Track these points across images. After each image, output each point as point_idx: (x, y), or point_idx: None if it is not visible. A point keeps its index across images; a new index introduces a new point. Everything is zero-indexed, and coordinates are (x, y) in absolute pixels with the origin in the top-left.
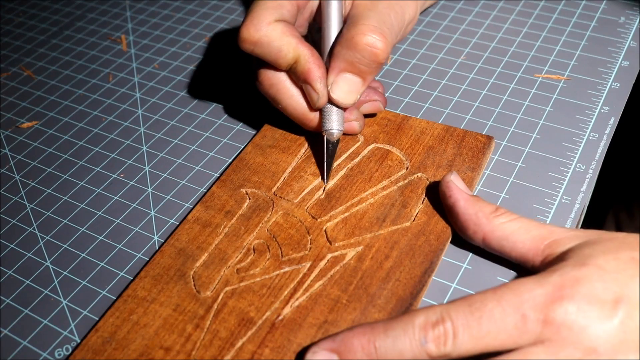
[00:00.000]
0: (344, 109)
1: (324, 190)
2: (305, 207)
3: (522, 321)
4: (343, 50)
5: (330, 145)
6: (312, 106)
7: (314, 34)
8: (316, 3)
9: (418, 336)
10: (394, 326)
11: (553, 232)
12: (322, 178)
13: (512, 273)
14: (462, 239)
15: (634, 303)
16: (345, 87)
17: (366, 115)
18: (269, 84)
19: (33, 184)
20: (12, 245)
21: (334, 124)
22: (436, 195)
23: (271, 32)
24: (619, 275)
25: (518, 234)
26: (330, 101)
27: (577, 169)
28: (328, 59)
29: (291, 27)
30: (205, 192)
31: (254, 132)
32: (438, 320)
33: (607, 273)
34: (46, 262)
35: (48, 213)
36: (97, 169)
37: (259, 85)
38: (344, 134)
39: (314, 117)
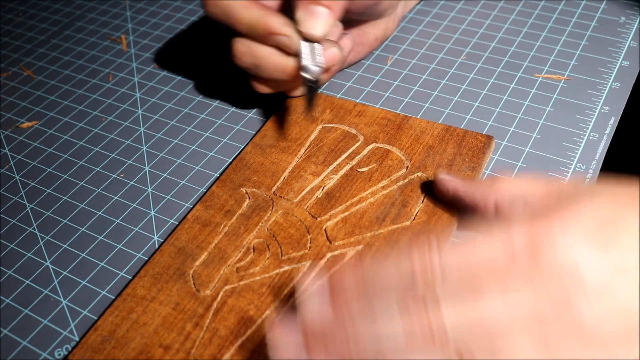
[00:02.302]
0: (319, 42)
1: (322, 189)
2: (305, 207)
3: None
4: None
5: (312, 84)
6: (289, 51)
7: None
8: None
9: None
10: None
11: (560, 187)
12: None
13: None
14: (462, 238)
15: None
16: (311, 17)
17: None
18: (242, 52)
19: (33, 184)
20: (12, 245)
21: (309, 60)
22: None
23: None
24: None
25: (527, 190)
26: (304, 39)
27: (577, 169)
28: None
29: None
30: (205, 192)
31: (254, 132)
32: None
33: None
34: (46, 262)
35: (48, 213)
36: (97, 169)
37: (234, 58)
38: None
39: (294, 65)
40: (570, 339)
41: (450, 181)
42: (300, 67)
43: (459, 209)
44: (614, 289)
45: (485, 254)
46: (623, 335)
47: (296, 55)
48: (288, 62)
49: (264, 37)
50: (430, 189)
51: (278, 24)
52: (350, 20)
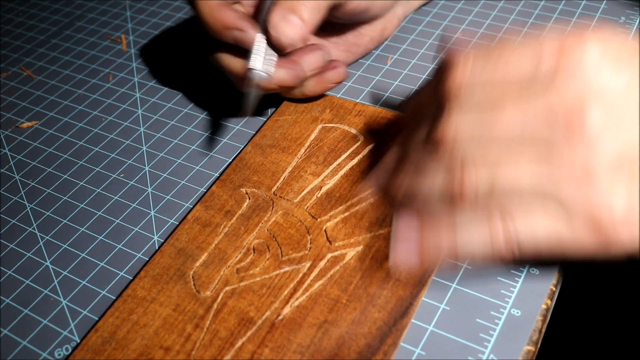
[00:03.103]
0: (284, 52)
1: (322, 189)
2: (305, 207)
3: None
4: None
5: (253, 88)
6: (243, 47)
7: None
8: None
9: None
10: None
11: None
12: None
13: (512, 273)
14: None
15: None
16: (282, 23)
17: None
18: (210, 52)
19: (33, 183)
20: (12, 245)
21: (259, 64)
22: None
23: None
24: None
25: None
26: (270, 42)
27: None
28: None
29: None
30: (205, 192)
31: (254, 132)
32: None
33: None
34: (46, 262)
35: (48, 213)
36: (97, 169)
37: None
38: (286, 90)
39: (242, 64)
40: (576, 145)
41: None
42: (248, 68)
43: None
44: (626, 103)
45: (515, 63)
46: (619, 154)
47: (247, 55)
48: (237, 62)
49: (219, 32)
50: None
51: (233, 17)
52: (346, 22)
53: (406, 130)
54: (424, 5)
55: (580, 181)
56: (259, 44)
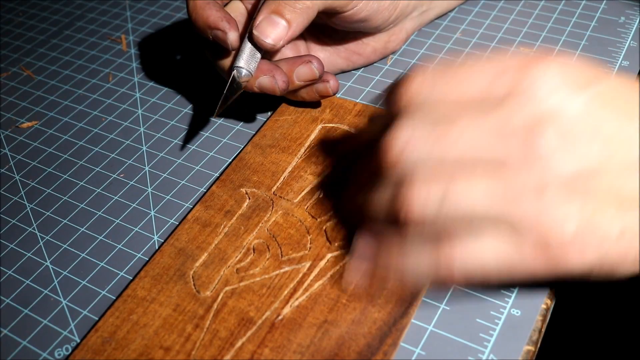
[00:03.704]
0: (268, 54)
1: (322, 189)
2: (305, 207)
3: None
4: None
5: (234, 85)
6: (225, 47)
7: None
8: None
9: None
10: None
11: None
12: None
13: None
14: None
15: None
16: (267, 25)
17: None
18: (200, 47)
19: (33, 184)
20: (12, 245)
21: (243, 62)
22: None
23: None
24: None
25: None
26: (254, 43)
27: None
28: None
29: None
30: (205, 192)
31: (254, 132)
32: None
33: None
34: (46, 262)
35: (48, 213)
36: (97, 169)
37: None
38: (269, 94)
39: (227, 62)
40: (529, 165)
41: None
42: (231, 65)
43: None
44: (581, 125)
45: (472, 80)
46: (572, 175)
47: (232, 54)
48: (224, 61)
49: (202, 30)
50: None
51: (215, 17)
52: (347, 30)
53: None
54: (437, 18)
55: (532, 201)
56: (246, 43)
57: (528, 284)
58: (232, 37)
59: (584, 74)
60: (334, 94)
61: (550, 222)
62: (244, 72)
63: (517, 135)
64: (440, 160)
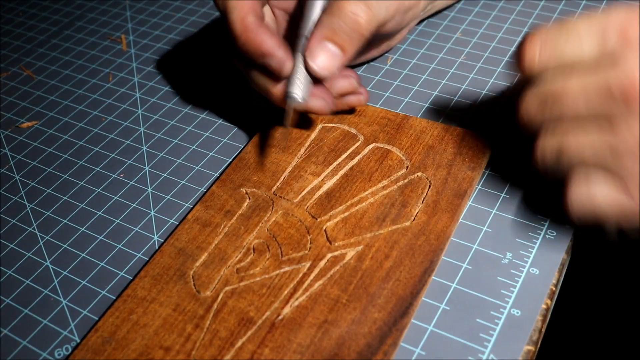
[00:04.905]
0: (319, 81)
1: (322, 189)
2: (305, 207)
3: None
4: (327, 17)
5: (290, 111)
6: (279, 76)
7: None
8: None
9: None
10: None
11: None
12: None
13: (512, 273)
14: (462, 239)
15: None
16: (322, 55)
17: (345, 112)
18: (237, 59)
19: (33, 183)
20: (12, 245)
21: (297, 88)
22: (436, 195)
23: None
24: None
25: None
26: (307, 70)
27: None
28: (310, 29)
29: (253, 2)
30: (205, 192)
31: (254, 132)
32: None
33: None
34: (46, 262)
35: (48, 213)
36: (97, 169)
37: (234, 61)
38: (315, 114)
39: (281, 89)
40: (633, 119)
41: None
42: (286, 92)
43: None
44: None
45: (582, 39)
46: None
47: (285, 79)
48: (275, 87)
49: (254, 57)
50: (430, 189)
51: (270, 44)
52: None
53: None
54: (433, 16)
55: (633, 159)
56: (298, 68)
57: (530, 283)
58: (288, 67)
59: None
60: (364, 105)
61: None
62: (299, 99)
63: (620, 91)
64: (560, 116)
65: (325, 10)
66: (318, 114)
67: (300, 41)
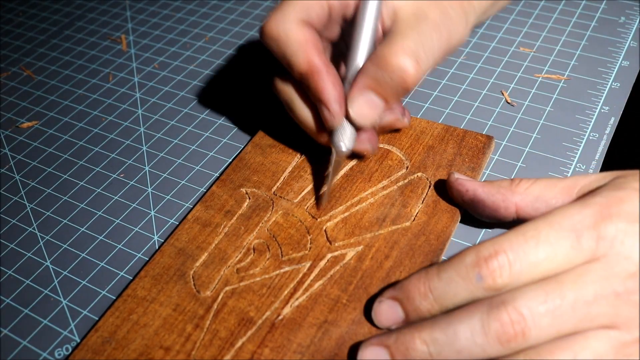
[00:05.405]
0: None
1: (322, 189)
2: (305, 207)
3: (577, 240)
4: (372, 66)
5: (336, 161)
6: (325, 124)
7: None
8: (351, 8)
9: (472, 274)
10: (446, 268)
11: (578, 180)
12: (317, 196)
13: None
14: (462, 239)
15: None
16: (365, 106)
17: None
18: (282, 88)
19: (33, 184)
20: (12, 245)
21: (344, 139)
22: (436, 195)
23: (291, 32)
24: None
25: (547, 191)
26: (347, 116)
27: (577, 169)
28: (353, 73)
29: (314, 35)
30: (205, 192)
31: (254, 132)
32: (491, 254)
33: None
34: (46, 262)
35: (48, 213)
36: (97, 169)
37: (272, 86)
38: (353, 153)
39: (325, 133)
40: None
41: (469, 182)
42: (332, 141)
43: (475, 210)
44: None
45: (557, 258)
46: None
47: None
48: (321, 132)
49: (310, 95)
50: (431, 189)
51: (330, 96)
52: None
53: None
54: None
55: None
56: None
57: None
58: (338, 120)
59: None
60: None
61: None
62: (344, 149)
63: (621, 300)
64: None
65: (370, 58)
66: (362, 154)
67: (344, 83)
